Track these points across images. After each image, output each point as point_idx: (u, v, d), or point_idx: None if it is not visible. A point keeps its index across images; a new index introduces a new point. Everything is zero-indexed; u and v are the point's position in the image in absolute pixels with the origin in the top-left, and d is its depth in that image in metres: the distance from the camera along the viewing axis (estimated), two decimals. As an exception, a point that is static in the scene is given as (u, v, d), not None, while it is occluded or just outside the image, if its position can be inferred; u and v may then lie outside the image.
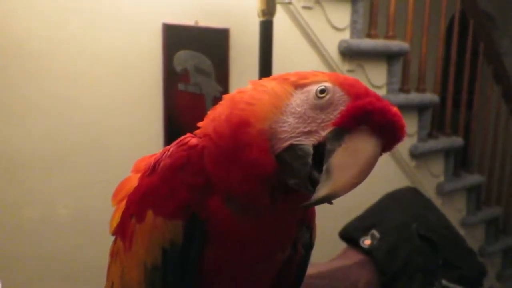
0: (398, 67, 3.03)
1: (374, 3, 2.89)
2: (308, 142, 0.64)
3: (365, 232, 2.26)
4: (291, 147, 0.64)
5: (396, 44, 2.96)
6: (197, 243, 0.72)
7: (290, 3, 2.40)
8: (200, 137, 0.73)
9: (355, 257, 2.20)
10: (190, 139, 0.74)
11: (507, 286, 4.01)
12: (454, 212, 3.49)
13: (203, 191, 0.70)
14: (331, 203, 0.63)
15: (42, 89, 1.95)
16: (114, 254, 0.85)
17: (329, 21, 2.66)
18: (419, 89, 3.24)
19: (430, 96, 3.26)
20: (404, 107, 2.97)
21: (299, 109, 0.65)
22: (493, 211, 3.95)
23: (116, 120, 2.13)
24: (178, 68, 2.22)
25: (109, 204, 0.88)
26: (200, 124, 0.75)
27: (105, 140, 2.11)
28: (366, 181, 0.63)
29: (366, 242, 2.21)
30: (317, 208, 0.68)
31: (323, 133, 0.63)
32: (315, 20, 2.59)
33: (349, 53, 2.73)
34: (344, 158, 0.61)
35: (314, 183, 0.63)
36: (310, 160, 0.63)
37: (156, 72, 2.19)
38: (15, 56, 1.89)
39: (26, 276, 1.98)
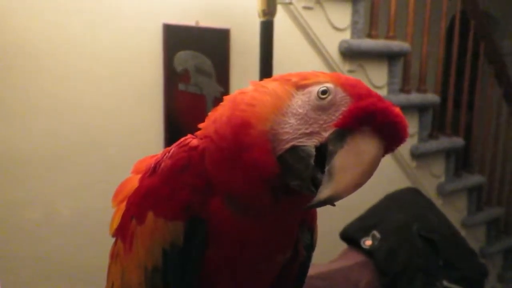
0: (398, 67, 3.03)
1: (375, 3, 2.88)
2: (310, 144, 0.63)
3: (366, 232, 2.26)
4: (293, 148, 0.64)
5: (396, 45, 2.96)
6: (198, 244, 0.71)
7: (290, 3, 2.40)
8: (201, 138, 0.73)
9: (356, 257, 2.20)
10: (191, 140, 0.74)
11: (508, 287, 4.00)
12: (455, 213, 3.49)
13: (204, 192, 0.70)
14: (333, 205, 0.63)
15: (42, 89, 1.95)
16: (114, 255, 0.85)
17: (329, 21, 2.66)
18: (420, 90, 3.24)
19: (431, 97, 3.26)
20: (405, 108, 2.97)
21: (300, 110, 0.65)
22: (494, 211, 3.95)
23: (117, 120, 2.12)
24: (179, 68, 2.22)
25: (109, 204, 0.88)
26: (201, 125, 0.75)
27: (105, 140, 2.10)
28: (367, 182, 0.63)
29: (367, 242, 2.21)
30: (318, 208, 0.68)
31: (325, 134, 0.63)
32: (315, 20, 2.59)
33: (349, 54, 2.73)
34: (346, 160, 0.61)
35: (316, 185, 0.62)
36: (312, 161, 0.63)
37: (156, 72, 2.18)
38: (15, 56, 1.89)
39: (26, 276, 1.98)
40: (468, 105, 3.64)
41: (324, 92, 0.64)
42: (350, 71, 2.75)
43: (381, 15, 2.94)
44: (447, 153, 3.46)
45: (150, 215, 0.73)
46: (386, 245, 2.18)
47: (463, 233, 3.22)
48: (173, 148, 0.75)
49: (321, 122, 0.63)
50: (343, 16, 2.71)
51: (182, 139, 0.75)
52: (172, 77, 2.21)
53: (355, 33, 2.76)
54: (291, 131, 0.64)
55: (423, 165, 3.27)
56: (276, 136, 0.64)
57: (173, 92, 2.22)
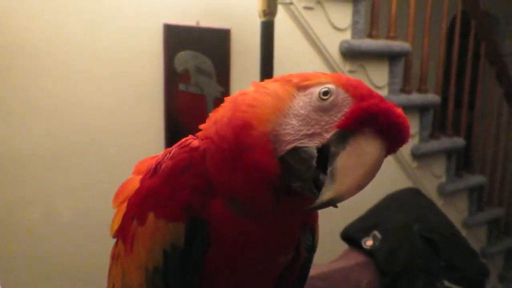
0: (399, 67, 3.02)
1: (376, 3, 2.88)
2: (312, 145, 0.63)
3: (366, 233, 2.26)
4: (295, 149, 0.63)
5: (397, 45, 2.96)
6: (199, 245, 0.71)
7: (291, 3, 2.40)
8: (202, 139, 0.73)
9: (357, 258, 2.20)
10: (192, 141, 0.73)
11: (509, 287, 4.00)
12: (455, 213, 3.49)
13: (205, 193, 0.70)
14: (336, 207, 0.62)
15: (42, 89, 1.94)
16: (115, 256, 0.85)
17: (330, 22, 2.65)
18: (420, 90, 3.24)
19: (432, 97, 3.26)
20: (406, 108, 2.95)
21: (302, 111, 0.65)
22: (495, 211, 3.95)
23: (117, 120, 2.12)
24: (179, 68, 2.21)
25: (109, 205, 0.88)
26: (201, 126, 0.75)
27: (105, 140, 2.10)
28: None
29: (368, 243, 2.21)
30: (319, 209, 0.67)
31: (327, 136, 0.62)
32: (316, 21, 2.59)
33: (350, 54, 2.72)
34: (349, 161, 0.60)
35: (318, 186, 0.62)
36: (314, 163, 0.62)
37: (157, 72, 2.18)
38: (15, 56, 1.89)
39: (26, 276, 1.98)
40: (469, 105, 3.64)
41: (325, 93, 0.64)
42: (350, 71, 2.75)
43: (382, 15, 2.94)
44: (448, 153, 3.46)
45: (151, 216, 0.73)
46: (386, 245, 2.17)
47: (464, 233, 3.22)
48: (174, 148, 0.74)
49: (323, 123, 0.63)
50: (343, 16, 2.71)
51: (183, 139, 0.75)
52: (173, 77, 2.21)
53: (355, 33, 2.75)
54: (292, 132, 0.64)
55: (424, 165, 3.26)
56: (277, 137, 0.64)
57: (173, 92, 2.21)
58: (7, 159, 1.92)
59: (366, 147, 0.61)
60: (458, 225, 3.29)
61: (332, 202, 0.61)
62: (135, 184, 0.79)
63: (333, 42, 2.69)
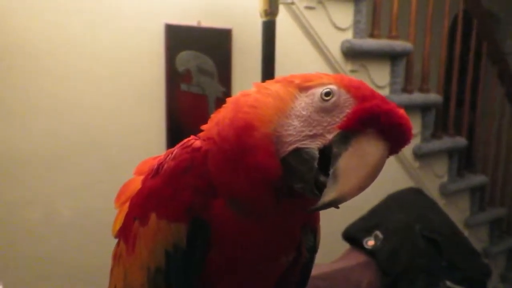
0: (401, 67, 3.02)
1: (377, 3, 2.88)
2: (314, 146, 0.63)
3: (368, 232, 2.25)
4: (297, 150, 0.63)
5: (399, 44, 2.96)
6: (200, 245, 0.71)
7: (292, 3, 2.40)
8: (204, 140, 0.73)
9: (358, 258, 2.20)
10: (194, 141, 0.73)
11: (511, 287, 3.99)
12: (457, 213, 3.49)
13: (207, 194, 0.70)
14: (337, 208, 0.62)
15: (42, 89, 1.94)
16: (117, 256, 0.85)
17: (331, 21, 2.65)
18: (422, 89, 3.23)
19: (434, 96, 3.25)
20: (407, 108, 2.96)
21: (304, 112, 0.64)
22: (497, 211, 3.95)
23: (118, 120, 2.12)
24: (181, 68, 2.21)
25: (109, 205, 0.88)
26: (203, 127, 0.75)
27: (106, 140, 2.10)
28: (371, 183, 0.62)
29: (370, 243, 2.21)
30: (320, 210, 0.67)
31: (329, 137, 0.62)
32: (317, 20, 2.58)
33: (352, 53, 2.72)
34: (351, 162, 0.60)
35: (320, 187, 0.62)
36: (316, 164, 0.62)
37: (158, 72, 2.18)
38: (15, 56, 1.88)
39: (26, 276, 1.98)
40: (471, 104, 3.64)
41: (327, 93, 0.64)
42: (352, 71, 2.75)
43: (383, 14, 2.93)
44: (450, 153, 3.46)
45: (153, 217, 0.73)
46: (388, 245, 2.17)
47: (466, 233, 3.22)
48: (176, 149, 0.74)
49: (325, 124, 0.63)
50: (345, 16, 2.71)
51: (185, 140, 0.75)
52: (174, 77, 2.20)
53: (357, 32, 2.75)
54: (294, 133, 0.64)
55: (426, 165, 3.26)
56: (279, 139, 0.64)
57: (175, 92, 2.21)
58: (7, 159, 1.92)
59: (368, 148, 0.60)
60: (460, 225, 3.29)
61: (334, 203, 0.61)
62: (137, 184, 0.79)
63: (334, 42, 2.69)
